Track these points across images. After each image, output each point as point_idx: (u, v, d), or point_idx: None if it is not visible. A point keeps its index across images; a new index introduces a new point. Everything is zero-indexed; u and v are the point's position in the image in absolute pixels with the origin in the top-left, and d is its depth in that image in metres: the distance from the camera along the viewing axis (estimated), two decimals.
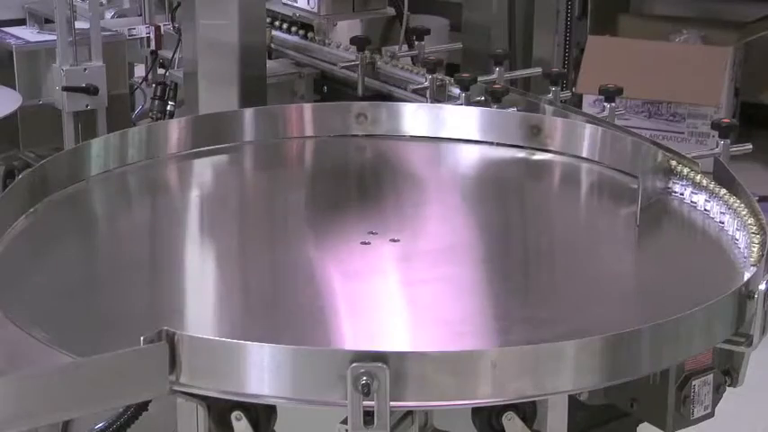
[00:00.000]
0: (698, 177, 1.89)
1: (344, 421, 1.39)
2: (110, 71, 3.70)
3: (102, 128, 3.67)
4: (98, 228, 1.94)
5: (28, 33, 3.98)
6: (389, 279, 1.70)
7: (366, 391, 1.31)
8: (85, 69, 3.66)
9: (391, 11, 3.89)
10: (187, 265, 1.77)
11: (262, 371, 1.35)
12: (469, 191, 2.11)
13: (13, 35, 3.93)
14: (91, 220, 1.97)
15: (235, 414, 1.45)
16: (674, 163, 1.94)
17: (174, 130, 2.11)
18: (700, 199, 1.87)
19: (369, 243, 1.76)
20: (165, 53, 4.01)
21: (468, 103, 2.84)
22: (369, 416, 1.33)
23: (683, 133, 5.01)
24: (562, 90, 2.94)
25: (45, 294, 1.62)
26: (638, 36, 5.34)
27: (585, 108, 4.67)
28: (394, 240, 1.76)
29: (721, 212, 1.81)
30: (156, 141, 2.07)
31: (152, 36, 4.07)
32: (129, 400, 1.69)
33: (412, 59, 3.50)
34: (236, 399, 1.39)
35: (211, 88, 3.16)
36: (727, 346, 1.55)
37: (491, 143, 2.16)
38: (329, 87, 3.54)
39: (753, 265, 1.60)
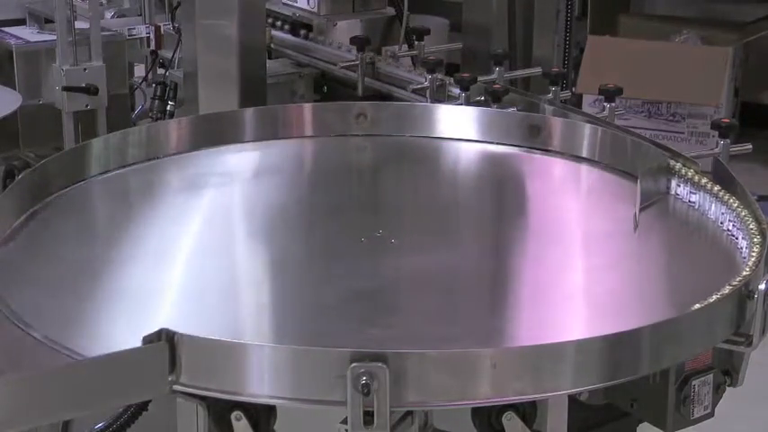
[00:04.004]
0: (698, 177, 1.89)
1: (344, 421, 1.39)
2: (110, 71, 3.70)
3: (102, 128, 3.67)
4: (98, 228, 1.94)
5: (28, 33, 3.98)
6: (387, 279, 1.70)
7: (366, 391, 1.31)
8: (85, 69, 3.66)
9: (391, 11, 3.89)
10: (187, 264, 1.76)
11: (262, 371, 1.35)
12: (469, 191, 2.11)
13: (13, 35, 3.93)
14: (91, 220, 1.97)
15: (235, 414, 1.44)
16: (674, 163, 1.94)
17: (174, 130, 2.11)
18: (699, 199, 1.87)
19: (367, 243, 1.76)
20: (165, 53, 4.00)
21: (468, 103, 2.84)
22: (369, 416, 1.33)
23: (683, 133, 5.02)
24: (562, 90, 2.94)
25: (45, 294, 1.62)
26: (638, 36, 5.35)
27: (585, 108, 4.68)
28: (392, 241, 1.76)
29: (721, 213, 1.81)
30: (156, 141, 2.07)
31: (152, 36, 4.06)
32: (129, 400, 1.69)
33: (412, 59, 3.50)
34: (236, 399, 1.39)
35: (211, 88, 3.15)
36: (727, 346, 1.55)
37: (491, 143, 2.16)
38: (329, 87, 3.54)
39: (752, 265, 1.59)
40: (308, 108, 2.27)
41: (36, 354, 1.43)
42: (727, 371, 1.68)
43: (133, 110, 4.23)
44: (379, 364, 1.31)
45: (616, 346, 1.39)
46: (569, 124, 2.14)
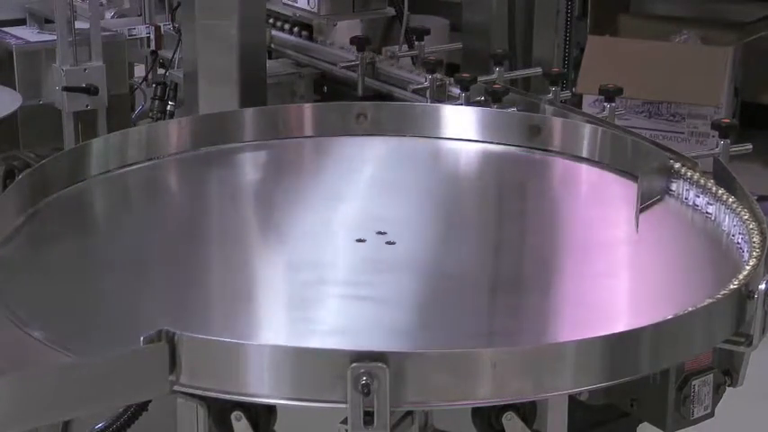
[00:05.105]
0: (698, 177, 1.89)
1: (344, 421, 1.39)
2: (110, 71, 3.70)
3: (102, 128, 3.66)
4: (98, 228, 1.94)
5: (28, 33, 3.98)
6: (386, 279, 1.70)
7: (366, 391, 1.31)
8: (85, 69, 3.66)
9: (391, 11, 3.89)
10: (187, 264, 1.76)
11: (262, 371, 1.35)
12: (469, 191, 2.11)
13: (13, 35, 3.93)
14: (91, 220, 1.97)
15: (235, 414, 1.45)
16: (673, 163, 1.94)
17: (175, 130, 2.11)
18: (699, 199, 1.87)
19: (366, 243, 1.75)
20: (165, 53, 4.00)
21: (468, 103, 2.84)
22: (369, 416, 1.33)
23: (683, 133, 5.01)
24: (562, 90, 2.94)
25: (45, 294, 1.62)
26: (638, 36, 5.35)
27: (585, 108, 4.68)
28: (390, 243, 1.76)
29: (721, 213, 1.81)
30: (156, 141, 2.07)
31: (152, 36, 4.06)
32: (129, 400, 1.70)
33: (412, 59, 3.50)
34: (236, 399, 1.39)
35: (211, 88, 3.15)
36: (727, 346, 1.55)
37: (491, 143, 2.16)
38: (329, 87, 3.54)
39: (752, 266, 1.59)
40: (308, 108, 2.27)
41: (36, 354, 1.42)
42: (728, 371, 1.68)
43: (133, 110, 4.23)
44: (380, 365, 1.31)
45: (616, 346, 1.39)
46: (569, 124, 2.14)
